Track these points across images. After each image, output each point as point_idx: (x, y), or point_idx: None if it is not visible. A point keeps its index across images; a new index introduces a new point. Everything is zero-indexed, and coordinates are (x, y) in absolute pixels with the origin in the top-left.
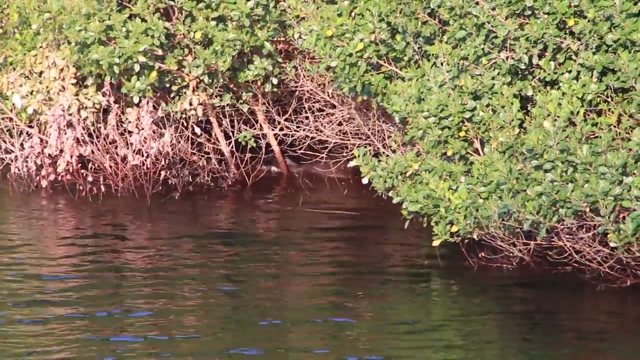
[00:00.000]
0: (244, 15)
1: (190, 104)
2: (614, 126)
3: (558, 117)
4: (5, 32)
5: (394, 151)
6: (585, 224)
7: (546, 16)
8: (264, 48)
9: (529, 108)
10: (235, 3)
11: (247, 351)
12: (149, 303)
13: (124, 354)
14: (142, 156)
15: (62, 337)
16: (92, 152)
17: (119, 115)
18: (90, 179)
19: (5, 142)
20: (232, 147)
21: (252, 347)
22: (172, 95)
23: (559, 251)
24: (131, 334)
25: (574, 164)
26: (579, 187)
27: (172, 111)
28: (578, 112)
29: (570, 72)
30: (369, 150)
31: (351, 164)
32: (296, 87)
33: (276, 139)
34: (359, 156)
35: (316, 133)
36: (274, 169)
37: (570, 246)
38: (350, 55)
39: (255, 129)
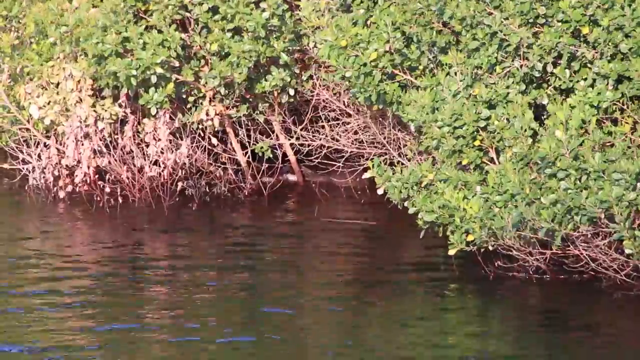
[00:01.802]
0: (260, 26)
1: (207, 115)
2: (629, 134)
3: (568, 126)
4: (22, 42)
5: (409, 159)
6: (601, 231)
7: (560, 24)
8: (280, 59)
9: (544, 116)
10: (250, 14)
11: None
12: (166, 310)
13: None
14: (159, 167)
15: (78, 344)
16: (109, 163)
17: (136, 126)
18: (107, 190)
19: (22, 152)
20: (248, 157)
21: (269, 352)
22: (188, 106)
23: (575, 259)
24: (149, 337)
25: (587, 171)
26: (592, 194)
27: (189, 122)
28: (590, 121)
29: (585, 79)
30: (385, 158)
31: (366, 175)
32: (312, 96)
33: (292, 148)
34: (373, 167)
35: (332, 142)
36: (290, 178)
37: (586, 254)
38: (365, 65)
39: (271, 138)
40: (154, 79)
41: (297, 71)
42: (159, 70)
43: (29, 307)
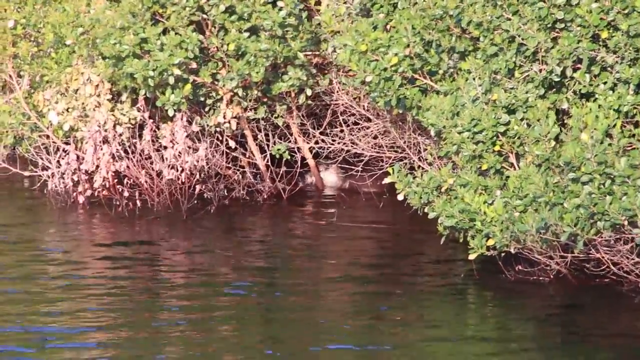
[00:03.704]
0: (277, 25)
1: (224, 117)
2: None
3: (595, 129)
4: (40, 50)
5: (430, 164)
6: (623, 236)
7: (579, 29)
8: (297, 59)
9: (564, 121)
10: (267, 12)
11: None
12: (184, 312)
13: None
14: (177, 170)
15: (97, 349)
16: (128, 167)
17: (154, 131)
18: (126, 194)
19: (42, 159)
20: (267, 161)
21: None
22: (206, 109)
23: (597, 263)
24: (166, 343)
25: (612, 176)
26: (617, 199)
27: (207, 125)
28: (615, 125)
29: (605, 83)
30: (405, 163)
31: (386, 180)
32: (331, 100)
33: (311, 152)
34: (393, 172)
35: (351, 146)
36: (309, 181)
37: (608, 258)
38: (385, 69)
39: (290, 142)
40: (171, 80)
41: (314, 71)
42: (177, 71)
43: (36, 300)
